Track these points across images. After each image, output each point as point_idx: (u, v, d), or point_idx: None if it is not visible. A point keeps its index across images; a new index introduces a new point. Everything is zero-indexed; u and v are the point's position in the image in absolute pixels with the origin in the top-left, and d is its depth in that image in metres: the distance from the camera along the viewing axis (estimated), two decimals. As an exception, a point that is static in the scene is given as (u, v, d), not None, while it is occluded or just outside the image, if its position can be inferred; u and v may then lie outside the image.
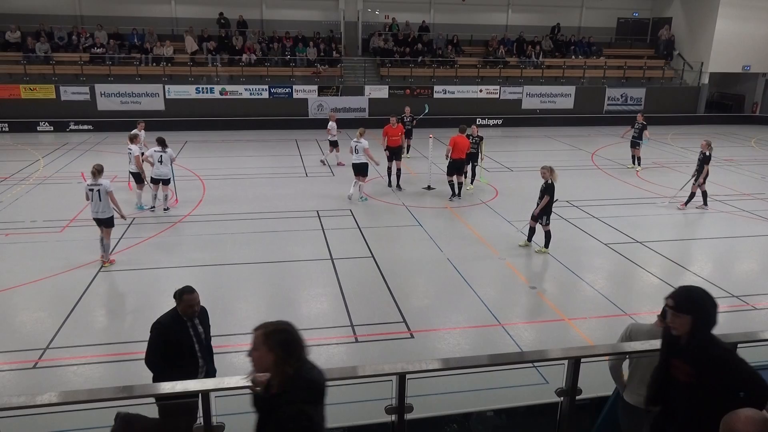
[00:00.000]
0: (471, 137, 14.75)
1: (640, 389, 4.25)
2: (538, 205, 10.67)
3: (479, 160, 15.29)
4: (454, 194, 14.37)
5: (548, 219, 10.73)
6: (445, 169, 14.48)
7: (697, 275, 10.14)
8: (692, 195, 13.71)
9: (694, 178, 13.67)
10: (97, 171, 9.76)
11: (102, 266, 9.94)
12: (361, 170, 13.98)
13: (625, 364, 4.61)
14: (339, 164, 17.96)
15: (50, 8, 25.54)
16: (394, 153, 15.30)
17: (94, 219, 9.95)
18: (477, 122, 25.50)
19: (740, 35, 27.25)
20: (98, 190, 9.71)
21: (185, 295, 5.05)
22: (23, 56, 23.55)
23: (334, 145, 17.93)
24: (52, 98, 23.22)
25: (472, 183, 15.48)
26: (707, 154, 13.43)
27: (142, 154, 13.12)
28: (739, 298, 9.21)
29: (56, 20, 25.30)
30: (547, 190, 10.53)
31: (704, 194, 13.69)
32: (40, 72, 23.58)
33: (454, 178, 14.26)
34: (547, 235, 10.87)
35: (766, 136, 25.06)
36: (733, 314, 8.70)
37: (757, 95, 29.36)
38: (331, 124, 17.84)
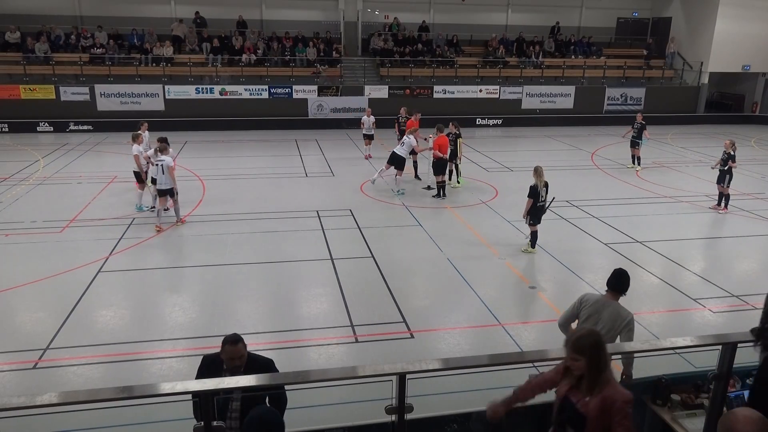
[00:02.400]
0: (449, 134, 14.97)
1: None
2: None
3: (457, 158, 15.20)
4: (440, 194, 14.58)
5: (533, 220, 10.69)
6: (450, 167, 15.13)
7: (696, 275, 10.15)
8: (727, 196, 13.70)
9: (723, 179, 13.57)
10: (162, 149, 11.75)
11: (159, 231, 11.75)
12: (396, 162, 14.71)
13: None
14: (367, 157, 18.83)
15: (50, 9, 25.54)
16: None
17: (158, 190, 11.94)
18: (476, 122, 25.68)
19: (740, 35, 27.24)
20: (162, 165, 11.64)
21: (225, 346, 4.25)
22: (23, 57, 23.54)
23: (368, 138, 18.81)
24: (51, 99, 23.21)
25: (458, 181, 15.50)
26: (732, 153, 13.42)
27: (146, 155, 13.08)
28: (738, 297, 9.21)
29: (56, 20, 25.28)
30: (529, 192, 10.51)
31: (727, 197, 13.69)
32: (39, 72, 23.58)
33: (440, 177, 14.43)
34: (533, 236, 10.86)
35: (765, 136, 25.06)
36: (733, 314, 8.70)
37: (757, 95, 29.35)
38: (365, 119, 18.64)
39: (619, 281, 5.40)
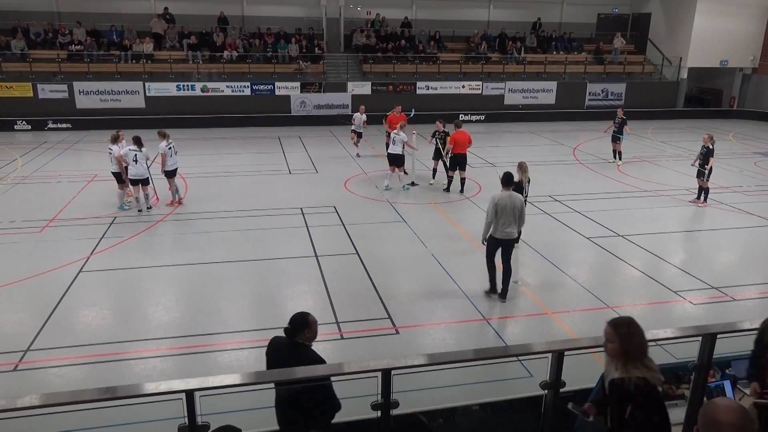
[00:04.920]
0: (437, 132, 15.06)
1: (506, 228, 8.45)
2: None
3: (444, 155, 15.09)
4: (448, 188, 14.74)
5: None
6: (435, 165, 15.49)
7: (677, 267, 10.29)
8: (707, 190, 13.83)
9: (702, 174, 13.66)
10: (167, 135, 12.94)
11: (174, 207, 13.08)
12: (395, 160, 14.67)
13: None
14: (357, 155, 18.81)
15: (26, 4, 25.07)
16: None
17: (172, 170, 12.95)
18: (460, 117, 25.71)
19: (717, 30, 27.62)
20: (174, 147, 13.05)
21: (310, 317, 4.52)
22: (-1, 53, 23.15)
23: (357, 135, 18.70)
24: (29, 96, 22.81)
25: (434, 177, 15.55)
26: (710, 147, 13.57)
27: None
28: (718, 289, 9.36)
29: (32, 17, 24.84)
30: (514, 188, 10.54)
31: (706, 191, 13.86)
32: (16, 69, 23.16)
33: (456, 173, 14.51)
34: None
35: (743, 130, 25.47)
36: (713, 305, 8.84)
37: (735, 89, 29.79)
38: (357, 116, 18.48)
39: (510, 179, 8.74)
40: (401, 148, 14.54)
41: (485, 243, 8.68)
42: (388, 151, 14.98)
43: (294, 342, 4.45)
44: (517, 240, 8.80)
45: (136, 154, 12.31)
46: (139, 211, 12.74)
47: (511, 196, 8.53)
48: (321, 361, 4.34)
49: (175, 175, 13.17)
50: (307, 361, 4.21)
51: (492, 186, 15.01)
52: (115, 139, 12.78)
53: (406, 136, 14.63)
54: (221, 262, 10.19)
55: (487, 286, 9.04)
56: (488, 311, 8.55)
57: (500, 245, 8.62)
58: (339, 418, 4.93)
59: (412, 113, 19.21)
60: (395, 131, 14.72)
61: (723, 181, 15.64)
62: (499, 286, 8.87)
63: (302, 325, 4.46)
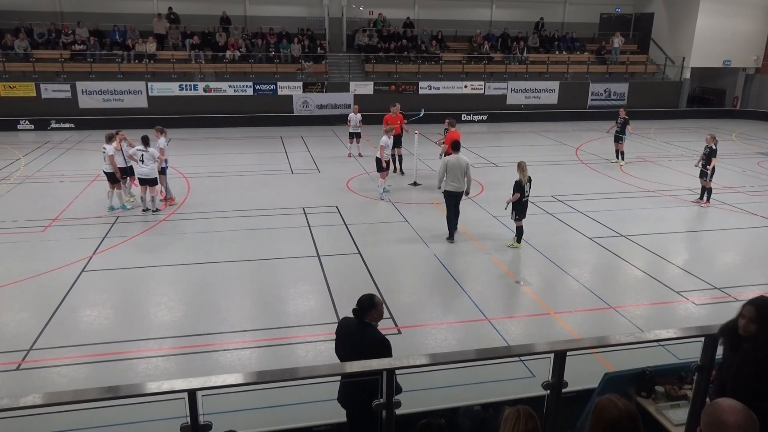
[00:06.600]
0: (446, 132, 15.00)
1: (453, 182, 10.79)
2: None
3: (439, 155, 15.07)
4: None
5: (519, 215, 10.77)
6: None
7: (679, 268, 10.27)
8: (710, 190, 13.80)
9: (705, 174, 13.62)
10: (165, 131, 13.19)
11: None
12: (376, 164, 14.40)
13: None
14: (359, 155, 18.65)
15: (29, 4, 25.12)
16: (395, 140, 15.68)
17: (163, 168, 12.96)
18: (462, 117, 25.73)
19: (721, 30, 27.56)
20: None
21: (375, 299, 4.90)
22: (1, 53, 23.16)
23: (353, 137, 18.42)
24: (32, 96, 22.86)
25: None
26: (713, 147, 13.54)
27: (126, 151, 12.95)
28: (721, 290, 9.34)
29: (35, 17, 24.90)
30: (515, 186, 10.60)
31: (709, 191, 13.83)
32: (19, 69, 23.21)
33: None
34: (519, 231, 10.94)
35: (746, 130, 25.41)
36: (716, 306, 8.82)
37: (738, 89, 29.70)
38: (352, 116, 18.25)
39: (458, 146, 11.00)
40: (379, 151, 14.15)
41: (440, 189, 11.23)
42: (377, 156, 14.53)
43: (362, 322, 4.84)
44: (467, 193, 11.12)
45: (143, 154, 12.29)
46: (144, 210, 12.74)
47: (458, 158, 10.73)
48: (385, 340, 4.74)
49: (165, 173, 13.31)
50: (373, 339, 4.71)
51: (493, 185, 15.08)
52: (110, 138, 12.66)
53: (387, 139, 14.14)
54: (223, 261, 10.20)
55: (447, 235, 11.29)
56: (490, 311, 8.54)
57: (452, 196, 10.88)
58: (343, 418, 4.94)
59: (422, 113, 18.63)
60: (383, 133, 14.35)
61: (726, 182, 15.60)
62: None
63: (369, 306, 4.85)
